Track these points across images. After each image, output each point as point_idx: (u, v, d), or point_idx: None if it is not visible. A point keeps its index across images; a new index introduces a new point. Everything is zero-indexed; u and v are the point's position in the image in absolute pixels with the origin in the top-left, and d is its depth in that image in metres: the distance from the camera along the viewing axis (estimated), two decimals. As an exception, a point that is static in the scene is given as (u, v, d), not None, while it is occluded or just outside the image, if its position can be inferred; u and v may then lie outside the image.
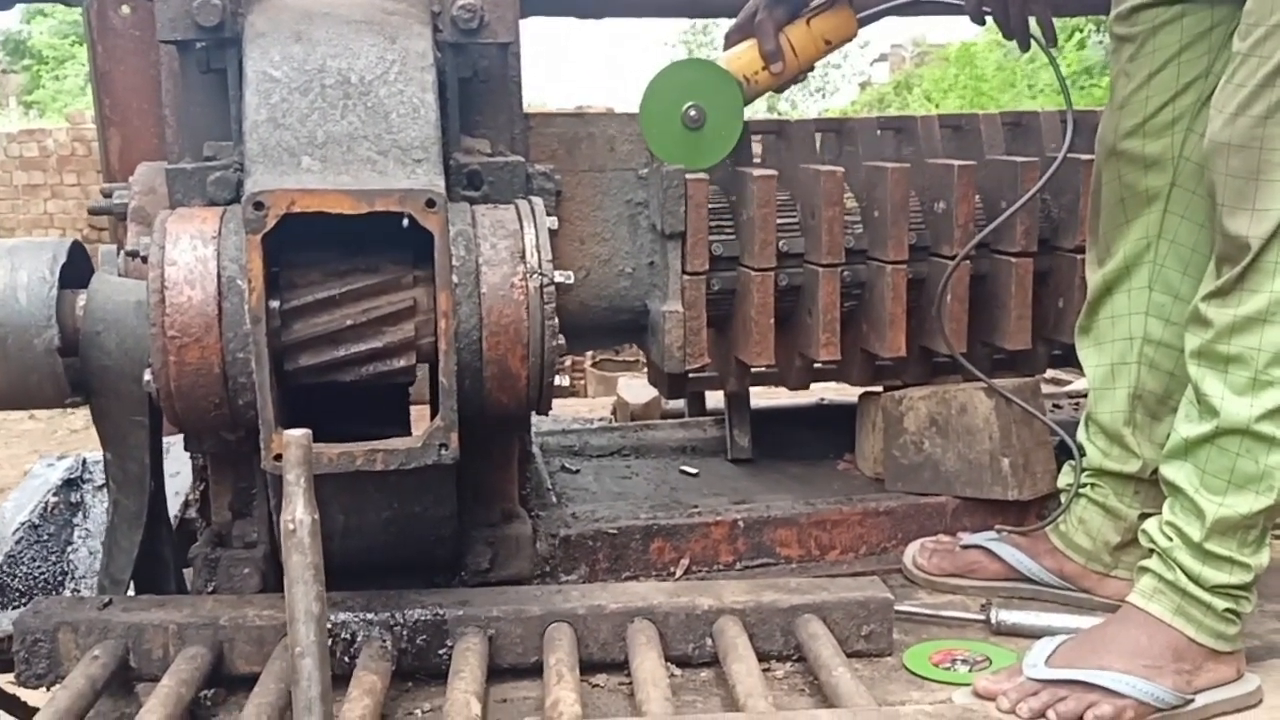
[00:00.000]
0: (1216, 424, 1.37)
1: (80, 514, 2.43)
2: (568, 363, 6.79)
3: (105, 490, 2.52)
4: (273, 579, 1.57)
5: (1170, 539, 1.41)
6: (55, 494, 2.35)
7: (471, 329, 1.35)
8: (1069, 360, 2.17)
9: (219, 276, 1.29)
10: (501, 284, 1.36)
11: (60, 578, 2.28)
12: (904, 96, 15.58)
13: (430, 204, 1.28)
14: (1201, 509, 1.39)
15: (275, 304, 1.30)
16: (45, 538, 2.27)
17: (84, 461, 2.50)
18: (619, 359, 6.07)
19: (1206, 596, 1.38)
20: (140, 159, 3.86)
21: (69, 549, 2.36)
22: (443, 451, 1.33)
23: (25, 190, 9.45)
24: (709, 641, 1.49)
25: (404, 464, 1.32)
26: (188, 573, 1.67)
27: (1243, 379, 1.36)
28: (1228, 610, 1.39)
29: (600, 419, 2.76)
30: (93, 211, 1.69)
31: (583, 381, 6.56)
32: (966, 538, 1.78)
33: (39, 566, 2.21)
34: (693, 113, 1.79)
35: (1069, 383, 2.81)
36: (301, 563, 1.03)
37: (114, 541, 1.55)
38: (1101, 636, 1.43)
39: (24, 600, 2.08)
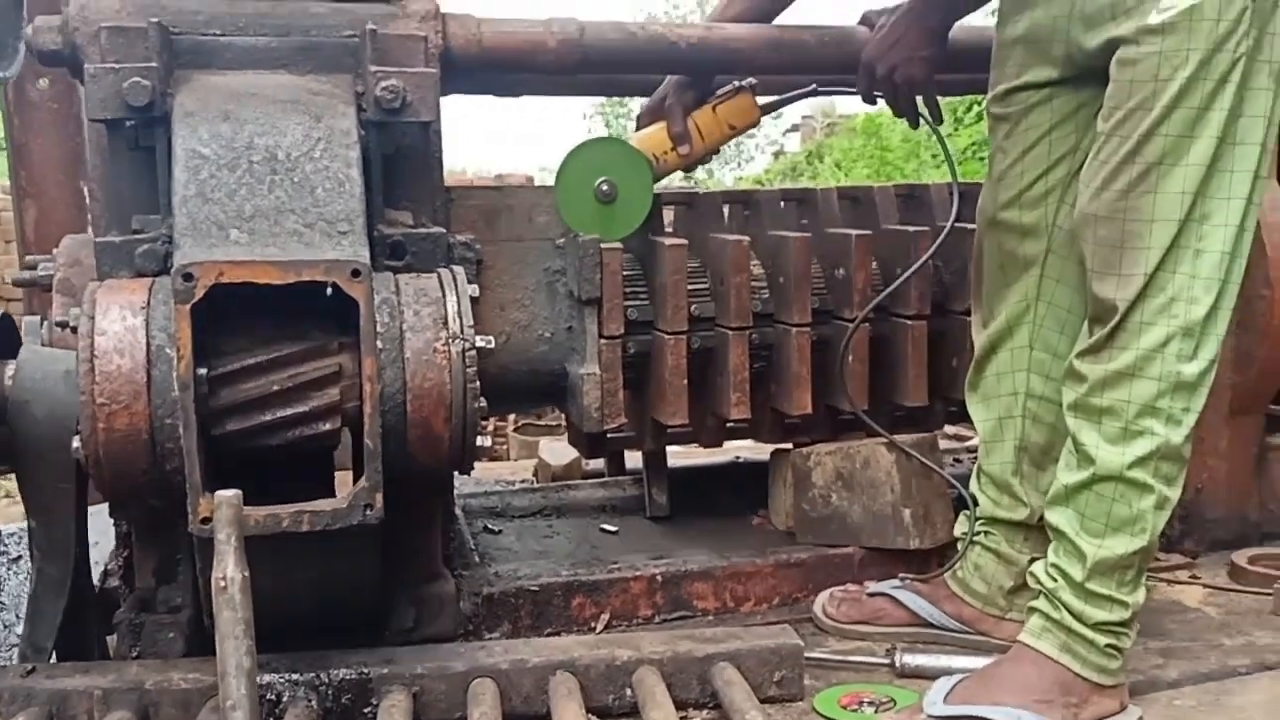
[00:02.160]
0: (1093, 471, 1.49)
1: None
2: (490, 426, 6.82)
3: (16, 563, 2.50)
4: (197, 643, 1.59)
5: (1055, 580, 1.52)
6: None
7: (396, 392, 1.41)
8: (966, 416, 2.30)
9: (148, 345, 1.34)
10: (425, 349, 1.42)
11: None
12: (815, 165, 16.02)
13: (355, 274, 1.35)
14: (1082, 551, 1.49)
15: (203, 371, 1.34)
16: (-44, 611, 2.24)
17: (28, 522, 2.46)
18: (541, 423, 6.11)
19: (1089, 633, 1.48)
20: (57, 230, 3.86)
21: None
22: (367, 512, 1.37)
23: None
24: (629, 691, 1.54)
25: (330, 525, 1.36)
26: (110, 640, 1.68)
27: (1115, 429, 1.48)
28: (1109, 646, 1.49)
29: (522, 481, 2.81)
30: (17, 284, 1.71)
31: (505, 445, 6.58)
32: (872, 586, 1.87)
33: (-50, 641, 2.18)
34: (605, 187, 1.89)
35: (969, 438, 2.94)
36: (232, 619, 1.07)
37: (37, 609, 1.55)
38: (995, 674, 1.52)
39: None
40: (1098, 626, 1.48)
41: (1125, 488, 1.47)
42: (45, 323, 1.66)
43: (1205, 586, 2.00)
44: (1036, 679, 1.48)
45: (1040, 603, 1.53)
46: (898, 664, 1.68)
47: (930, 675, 1.64)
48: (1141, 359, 1.46)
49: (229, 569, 1.09)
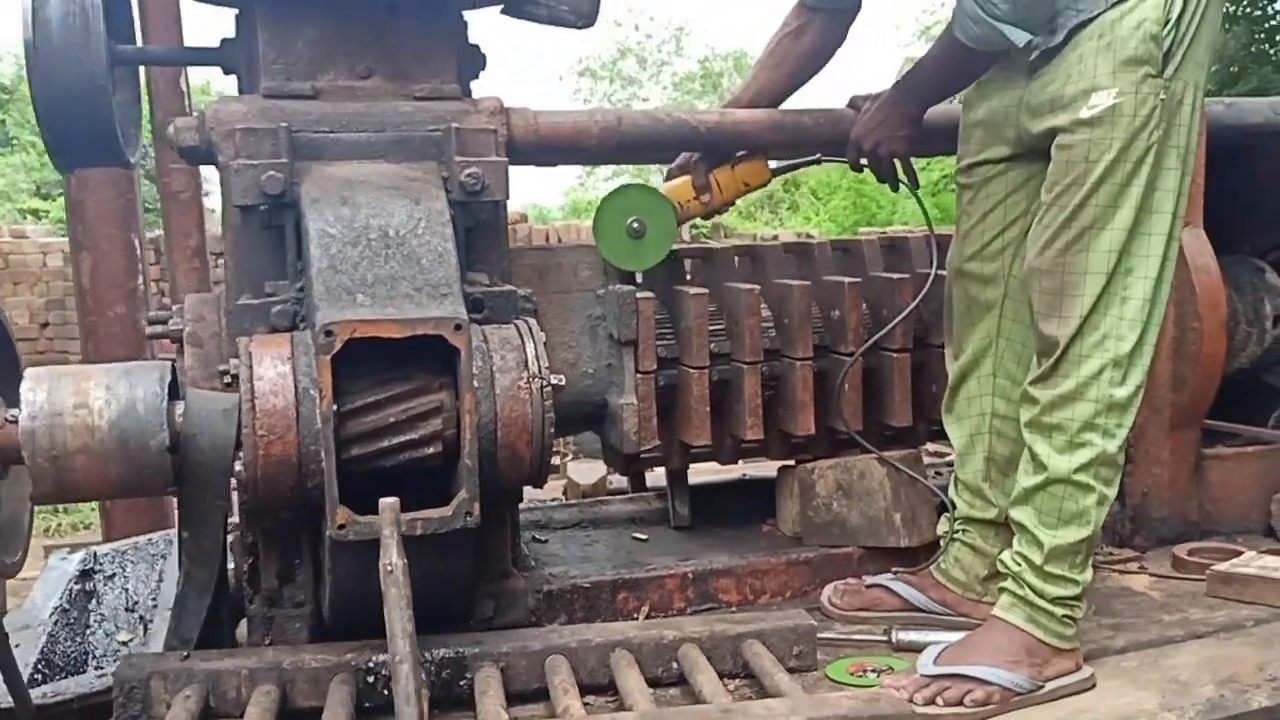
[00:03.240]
0: (1046, 476, 1.84)
1: (95, 601, 2.71)
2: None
3: (113, 579, 2.81)
4: (318, 632, 1.92)
5: (1019, 564, 1.87)
6: (76, 582, 2.64)
7: (489, 422, 1.75)
8: (945, 434, 2.66)
9: (296, 388, 1.68)
10: (511, 386, 1.76)
11: (84, 656, 2.56)
12: (793, 193, 16.49)
13: (458, 327, 1.69)
14: (1040, 540, 1.84)
15: (334, 408, 1.68)
16: (71, 621, 2.55)
17: (95, 555, 2.79)
18: (565, 449, 6.48)
19: (1049, 606, 1.83)
20: (109, 279, 4.21)
21: (87, 631, 2.65)
22: (468, 518, 1.71)
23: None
24: (675, 664, 1.88)
25: (439, 529, 1.70)
26: (236, 632, 2.00)
27: (1062, 442, 1.83)
28: (1065, 616, 1.84)
29: (553, 499, 3.15)
30: (151, 336, 2.05)
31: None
32: (870, 579, 2.21)
33: (68, 646, 2.49)
34: (635, 225, 2.23)
35: (948, 454, 3.29)
36: (397, 595, 1.40)
37: (183, 606, 1.87)
38: (974, 641, 1.87)
39: (63, 674, 2.37)
40: (1055, 600, 1.83)
41: (1072, 489, 1.82)
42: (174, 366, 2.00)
43: (1151, 575, 2.36)
44: (1007, 644, 1.83)
45: (1009, 584, 1.88)
46: (894, 640, 2.02)
47: (921, 648, 1.98)
48: (1081, 385, 1.81)
49: (393, 557, 1.43)
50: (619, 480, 3.02)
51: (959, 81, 2.10)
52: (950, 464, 3.08)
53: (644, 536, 2.56)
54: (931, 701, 1.76)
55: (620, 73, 24.24)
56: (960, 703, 1.75)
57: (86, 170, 3.97)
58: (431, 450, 1.75)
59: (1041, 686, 1.80)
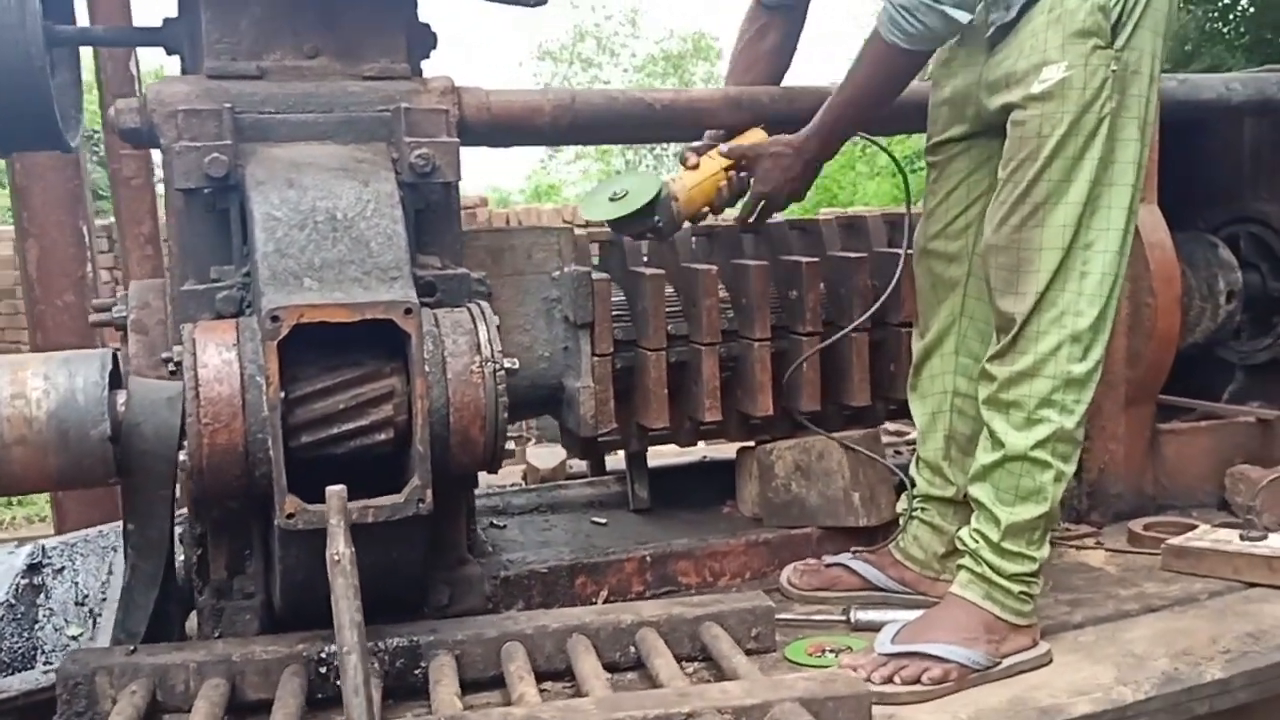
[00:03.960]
0: (1003, 453, 1.84)
1: (43, 595, 2.66)
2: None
3: (62, 573, 2.76)
4: (268, 623, 1.89)
5: (977, 541, 1.87)
6: (23, 576, 2.58)
7: (440, 407, 1.72)
8: (905, 413, 2.66)
9: (241, 375, 1.64)
10: (463, 371, 1.74)
11: (32, 652, 2.51)
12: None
13: (408, 311, 1.66)
14: (997, 517, 1.84)
15: (282, 394, 1.65)
16: (18, 616, 2.50)
17: (43, 548, 2.73)
18: (513, 434, 6.43)
19: (1006, 583, 1.83)
20: (59, 268, 4.12)
21: (35, 626, 2.59)
22: (420, 505, 1.68)
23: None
24: (633, 648, 1.87)
25: (390, 516, 1.67)
26: (187, 625, 1.97)
27: (1019, 418, 1.83)
28: (1022, 592, 1.84)
29: (512, 484, 3.12)
30: (95, 325, 2.00)
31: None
32: (829, 559, 2.21)
33: (15, 642, 2.44)
34: (616, 190, 2.19)
35: (907, 433, 3.30)
36: (345, 584, 1.38)
37: (131, 599, 1.84)
38: (932, 618, 1.87)
39: (9, 671, 2.31)
40: (1013, 577, 1.83)
41: (1030, 465, 1.82)
42: (118, 354, 1.95)
43: (1107, 550, 2.38)
44: (965, 621, 1.83)
45: (966, 560, 1.88)
46: (852, 619, 2.02)
47: (879, 628, 1.98)
48: (1039, 361, 1.80)
49: (340, 546, 1.40)
50: (579, 464, 3.00)
51: (882, 104, 2.02)
52: (910, 443, 3.11)
53: (603, 521, 2.54)
54: (889, 680, 1.75)
55: (580, 55, 24.13)
56: (918, 681, 1.75)
57: (30, 155, 3.88)
58: (383, 437, 1.72)
59: (998, 663, 1.81)
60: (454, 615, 1.97)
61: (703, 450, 3.13)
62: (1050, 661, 1.84)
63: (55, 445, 1.61)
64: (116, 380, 1.70)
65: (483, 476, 3.56)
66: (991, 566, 1.84)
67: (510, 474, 3.38)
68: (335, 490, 1.44)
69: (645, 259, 2.44)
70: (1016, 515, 1.83)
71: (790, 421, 2.45)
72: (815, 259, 2.35)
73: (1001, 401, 1.85)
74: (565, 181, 21.40)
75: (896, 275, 2.25)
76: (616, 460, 2.75)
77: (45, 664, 2.49)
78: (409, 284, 1.72)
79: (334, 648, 1.76)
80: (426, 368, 1.71)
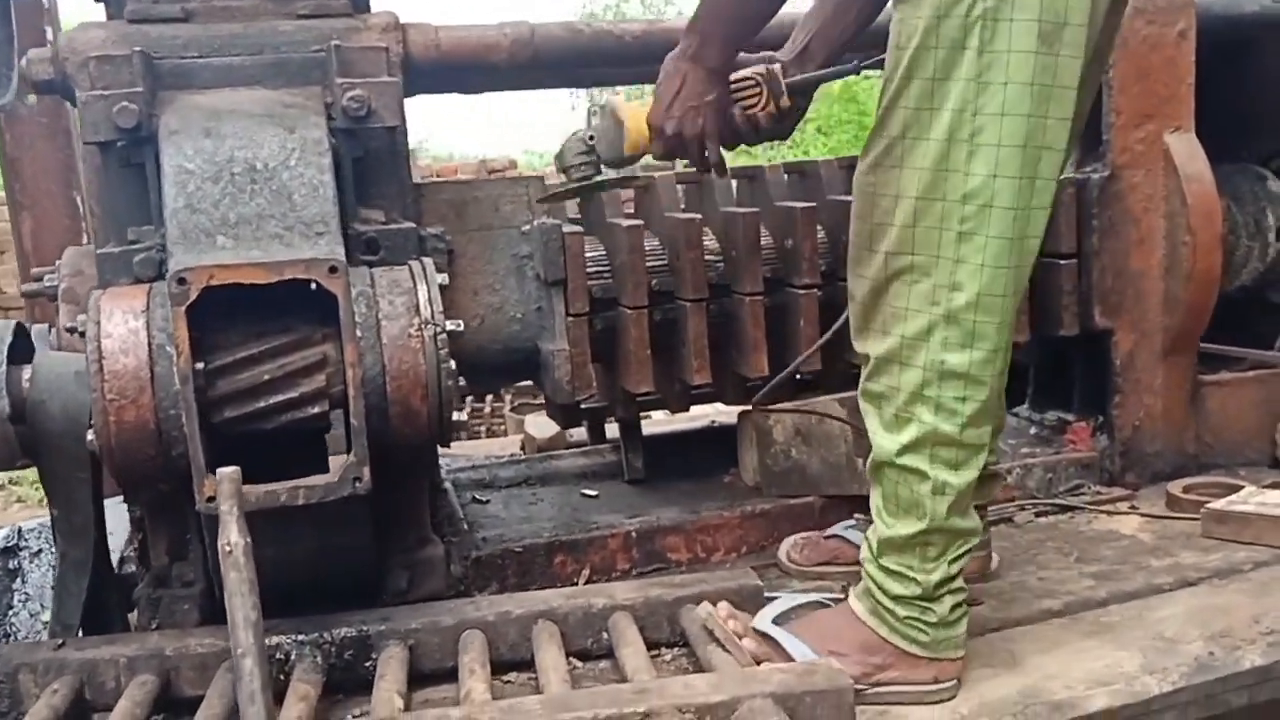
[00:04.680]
0: (874, 456, 1.52)
1: (19, 579, 2.55)
2: (487, 409, 6.96)
3: (39, 556, 2.66)
4: (210, 613, 1.74)
5: (867, 551, 1.57)
6: (-6, 561, 2.48)
7: (376, 375, 1.56)
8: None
9: (150, 345, 1.48)
10: (400, 335, 1.57)
11: (4, 639, 2.41)
12: (800, 131, 16.12)
13: (333, 270, 1.49)
14: (878, 529, 1.53)
15: (201, 365, 1.49)
16: (-12, 602, 2.40)
17: (19, 530, 2.63)
18: (536, 401, 6.27)
19: (889, 604, 1.51)
20: (53, 240, 4.04)
21: (10, 613, 2.49)
22: (356, 484, 1.53)
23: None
24: (605, 635, 1.70)
25: (323, 497, 1.51)
26: (130, 618, 1.84)
27: (889, 415, 1.47)
28: (910, 619, 1.49)
29: (511, 454, 2.96)
30: (25, 294, 1.86)
31: (503, 425, 6.74)
32: (830, 530, 2.02)
33: (-16, 630, 2.34)
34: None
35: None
36: (238, 578, 1.22)
37: (63, 589, 1.71)
38: (819, 616, 1.62)
39: (-26, 661, 2.21)
40: (897, 599, 1.50)
41: (902, 473, 1.47)
42: (53, 330, 1.82)
43: (1142, 515, 2.16)
44: (845, 633, 1.54)
45: (863, 567, 1.58)
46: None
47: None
48: (904, 346, 1.43)
49: (233, 535, 1.25)
50: (581, 432, 2.83)
51: None
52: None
53: (594, 493, 2.37)
54: (754, 662, 1.53)
55: (624, 16, 23.64)
56: None
57: (20, 125, 3.77)
58: (316, 409, 1.56)
59: (865, 689, 1.51)
60: (414, 601, 1.82)
61: (711, 413, 2.95)
62: (950, 698, 1.52)
63: (-51, 427, 1.47)
64: (22, 354, 1.55)
65: (482, 446, 3.43)
66: (875, 582, 1.53)
67: (510, 444, 3.23)
68: (226, 473, 1.28)
69: (626, 209, 2.24)
70: (895, 530, 1.49)
71: (790, 383, 2.26)
72: (812, 204, 2.14)
73: (870, 392, 1.51)
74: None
75: None
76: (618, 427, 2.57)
77: (17, 652, 2.40)
78: (336, 239, 1.56)
79: (276, 639, 1.62)
80: (359, 332, 1.54)
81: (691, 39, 1.68)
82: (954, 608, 1.51)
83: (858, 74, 1.97)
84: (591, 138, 1.88)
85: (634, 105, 1.85)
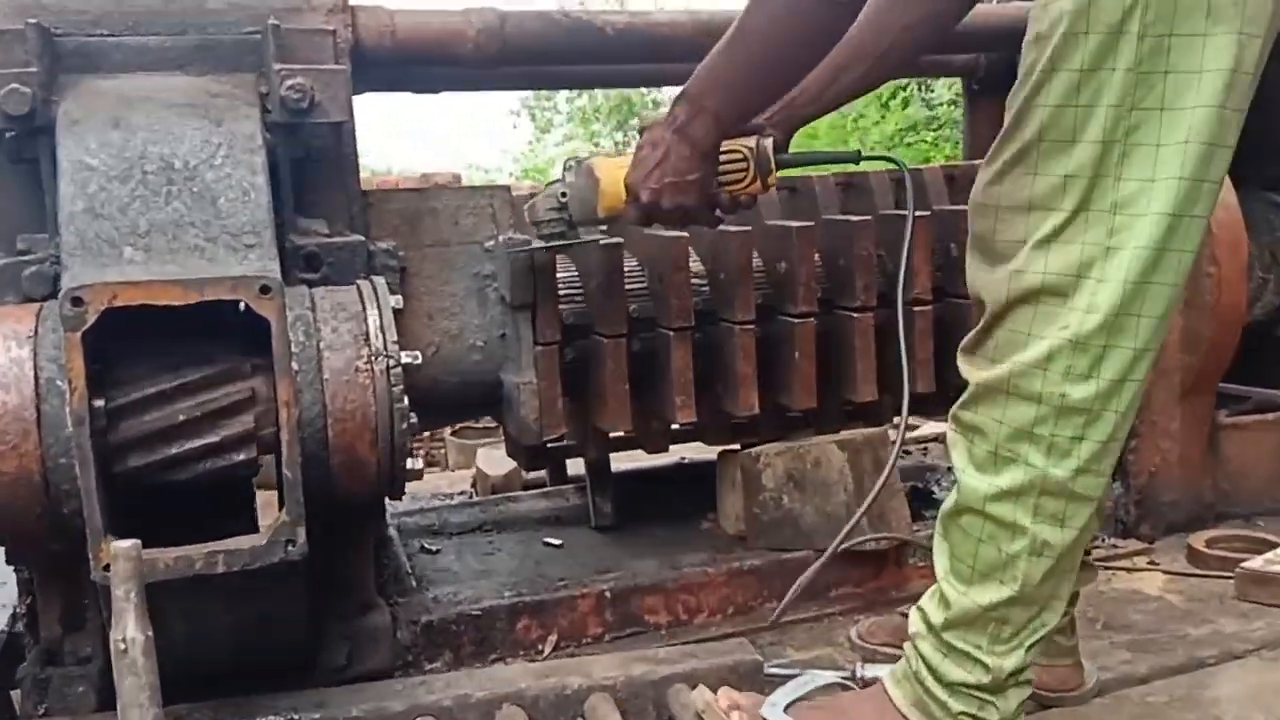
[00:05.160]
0: (957, 499, 1.26)
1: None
2: (426, 434, 6.64)
3: None
4: (110, 696, 1.46)
5: (918, 624, 1.31)
6: None
7: (315, 417, 1.30)
8: (916, 409, 2.24)
9: (36, 378, 1.22)
10: (345, 369, 1.31)
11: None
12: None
13: (265, 290, 1.24)
14: (945, 595, 1.27)
15: (100, 403, 1.23)
16: None
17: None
18: (479, 426, 5.97)
19: (942, 694, 1.26)
20: None
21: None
22: (289, 548, 1.27)
23: None
24: (581, 721, 1.46)
25: (248, 564, 1.26)
26: (16, 694, 1.55)
27: (983, 451, 1.23)
28: (964, 714, 1.26)
29: (460, 493, 2.70)
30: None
31: (443, 451, 6.42)
32: (906, 607, 1.74)
33: None
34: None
35: (916, 428, 2.89)
36: (135, 685, 0.96)
37: (-72, 669, 1.42)
38: (842, 704, 1.39)
39: None
40: (954, 688, 1.25)
41: (991, 525, 1.22)
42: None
43: (1165, 573, 1.96)
44: None
45: (908, 644, 1.32)
46: (857, 676, 1.60)
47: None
48: (1019, 374, 1.19)
49: (129, 629, 0.98)
50: (539, 471, 2.58)
51: (780, 46, 1.39)
52: (926, 442, 2.69)
53: (558, 542, 2.12)
54: None
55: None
56: None
57: None
58: (243, 456, 1.31)
59: None
60: (354, 679, 1.56)
61: (681, 452, 2.72)
62: None
63: None
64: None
65: (424, 483, 3.15)
66: (928, 664, 1.27)
67: (459, 480, 2.96)
68: (123, 548, 1.01)
69: (603, 228, 2.01)
70: (971, 597, 1.24)
71: (780, 421, 2.04)
72: (808, 223, 1.92)
73: (963, 422, 1.26)
74: (553, 161, 20.86)
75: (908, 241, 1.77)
76: (581, 464, 2.33)
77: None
78: (270, 253, 1.30)
79: (189, 731, 1.35)
80: (295, 365, 1.29)
81: (681, 110, 1.46)
82: (1019, 706, 1.26)
83: (856, 163, 1.74)
84: (564, 194, 1.64)
85: (612, 163, 1.61)
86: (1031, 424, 1.19)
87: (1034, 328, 1.18)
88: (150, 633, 1.00)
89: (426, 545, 2.10)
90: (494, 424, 5.45)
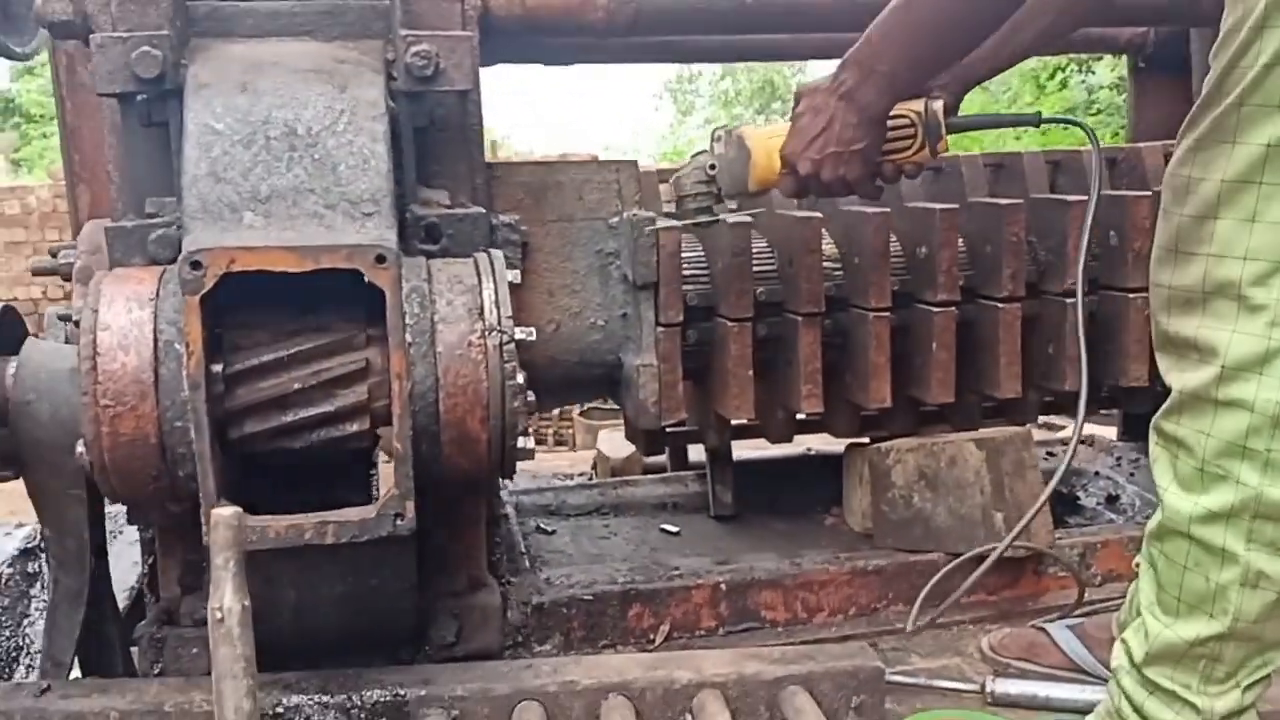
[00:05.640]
0: (1161, 519, 1.16)
1: (38, 585, 2.33)
2: (555, 413, 6.67)
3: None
4: (224, 659, 1.48)
5: (1119, 657, 1.23)
6: (10, 565, 2.25)
7: (427, 390, 1.27)
8: (1061, 407, 2.10)
9: (155, 340, 1.21)
10: (458, 342, 1.28)
11: (15, 653, 2.18)
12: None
13: (380, 259, 1.21)
14: (1148, 628, 1.18)
15: (218, 368, 1.22)
16: (1, 610, 2.16)
17: (42, 530, 2.40)
18: (607, 407, 5.99)
19: None
20: (110, 214, 3.81)
21: (25, 622, 2.26)
22: (398, 522, 1.24)
23: (7, 248, 9.36)
24: (688, 718, 1.40)
25: (357, 536, 1.24)
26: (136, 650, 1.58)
27: (1189, 468, 1.12)
28: None
29: (581, 474, 2.68)
30: (35, 272, 1.61)
31: (571, 431, 6.45)
32: (1038, 621, 1.64)
33: (-8, 643, 2.10)
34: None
35: (1061, 427, 2.73)
36: (230, 655, 0.94)
37: (54, 622, 1.45)
38: None
39: (-25, 680, 1.98)
40: None
41: (1198, 551, 1.12)
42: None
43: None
44: None
45: (1111, 682, 1.25)
46: (987, 690, 1.50)
47: (1025, 704, 1.47)
48: (1228, 379, 1.07)
49: (226, 597, 0.96)
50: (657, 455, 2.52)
51: (968, 12, 1.31)
52: (1067, 443, 2.53)
53: (675, 529, 2.07)
54: None
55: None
56: None
57: (83, 94, 3.57)
58: (356, 427, 1.29)
59: None
60: (463, 657, 1.54)
61: (808, 441, 2.63)
62: None
63: (-85, 430, 1.21)
64: (9, 344, 1.30)
65: (548, 462, 3.14)
66: (1131, 702, 1.18)
67: (582, 460, 2.94)
68: (224, 516, 1.00)
69: (732, 205, 1.93)
70: (1175, 630, 1.14)
71: (912, 414, 1.93)
72: (952, 206, 1.81)
73: (1165, 434, 1.15)
74: (693, 143, 20.83)
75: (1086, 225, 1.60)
76: (702, 451, 2.26)
77: (27, 667, 2.17)
78: (388, 222, 1.27)
79: (296, 699, 1.35)
80: (409, 337, 1.26)
81: (850, 74, 1.39)
82: None
83: (1037, 126, 1.64)
84: (713, 166, 1.58)
85: (764, 132, 1.55)
86: (1244, 435, 1.07)
87: (1240, 323, 1.05)
88: (247, 602, 0.98)
89: (543, 525, 2.08)
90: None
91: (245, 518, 1.03)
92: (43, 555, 2.40)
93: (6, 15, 1.58)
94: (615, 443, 2.62)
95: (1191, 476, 1.11)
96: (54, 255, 1.67)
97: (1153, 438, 1.18)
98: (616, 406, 3.86)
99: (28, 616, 2.29)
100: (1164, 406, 1.15)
